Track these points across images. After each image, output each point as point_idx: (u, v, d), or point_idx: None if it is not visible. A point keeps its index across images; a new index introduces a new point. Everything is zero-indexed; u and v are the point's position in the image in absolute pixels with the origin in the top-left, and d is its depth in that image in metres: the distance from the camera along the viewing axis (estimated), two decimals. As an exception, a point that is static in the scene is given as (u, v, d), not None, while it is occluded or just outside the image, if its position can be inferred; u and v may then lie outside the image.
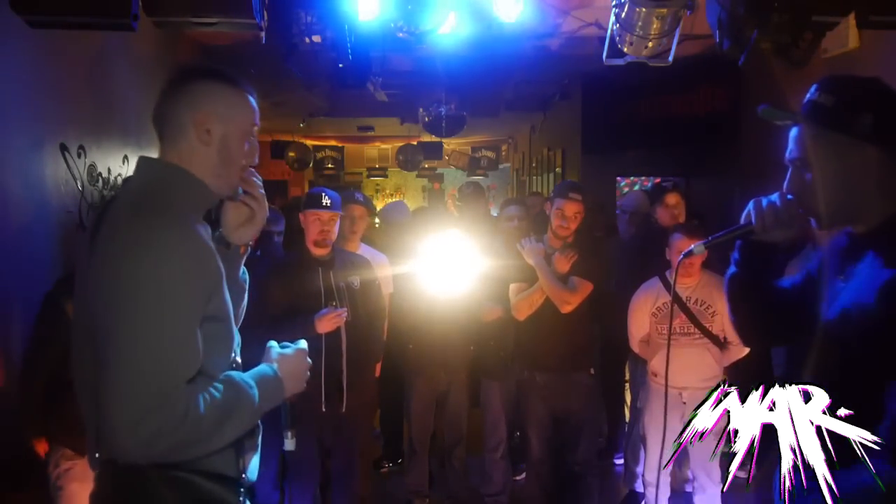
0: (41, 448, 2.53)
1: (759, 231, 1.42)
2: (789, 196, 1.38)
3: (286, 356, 1.49)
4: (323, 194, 3.18)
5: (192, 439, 1.24)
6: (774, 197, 1.40)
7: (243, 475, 1.39)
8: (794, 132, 1.35)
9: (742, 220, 1.45)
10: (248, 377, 1.38)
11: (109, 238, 1.28)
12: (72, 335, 1.40)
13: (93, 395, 1.26)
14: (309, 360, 1.55)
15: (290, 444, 1.68)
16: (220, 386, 1.30)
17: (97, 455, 1.33)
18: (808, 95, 1.33)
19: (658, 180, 6.78)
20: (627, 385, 4.54)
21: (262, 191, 1.53)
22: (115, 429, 1.19)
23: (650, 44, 3.72)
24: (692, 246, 1.51)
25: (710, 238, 1.49)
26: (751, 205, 1.43)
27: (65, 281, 2.55)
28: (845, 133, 1.27)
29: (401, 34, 3.93)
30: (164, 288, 1.22)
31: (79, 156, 3.51)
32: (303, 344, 1.55)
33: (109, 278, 1.23)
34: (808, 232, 1.45)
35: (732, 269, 1.54)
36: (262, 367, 1.44)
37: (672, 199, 3.89)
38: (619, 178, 7.42)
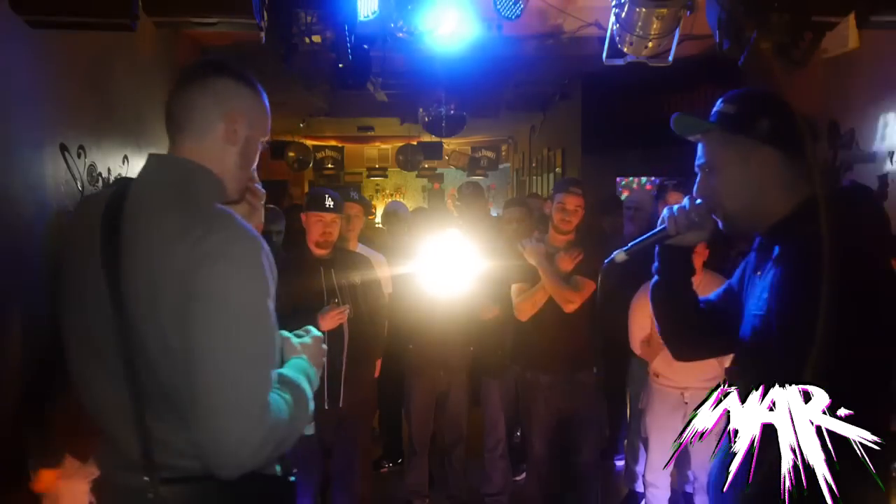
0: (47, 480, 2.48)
1: (673, 234, 1.53)
2: (698, 200, 1.50)
3: (307, 345, 1.50)
4: (326, 196, 3.20)
5: (283, 441, 1.25)
6: (685, 202, 1.52)
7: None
8: (702, 141, 1.50)
9: (657, 227, 1.57)
10: (293, 372, 1.37)
11: (163, 245, 1.20)
12: (71, 350, 1.33)
13: (134, 412, 1.22)
14: (324, 346, 1.56)
15: (309, 428, 1.72)
16: (283, 385, 1.30)
17: (151, 474, 1.23)
18: (714, 108, 1.49)
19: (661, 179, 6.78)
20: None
21: (262, 201, 1.52)
22: (225, 443, 1.16)
23: (650, 44, 3.72)
24: (614, 254, 1.59)
25: (630, 244, 1.58)
26: (665, 211, 1.55)
27: None
28: (746, 136, 1.41)
29: (401, 34, 3.93)
30: (253, 298, 1.20)
31: (79, 156, 3.51)
32: (316, 331, 1.56)
33: (190, 292, 1.16)
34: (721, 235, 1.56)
35: (654, 278, 1.63)
36: (297, 361, 1.43)
37: (674, 197, 3.87)
38: (619, 178, 7.42)
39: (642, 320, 3.42)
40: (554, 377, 3.35)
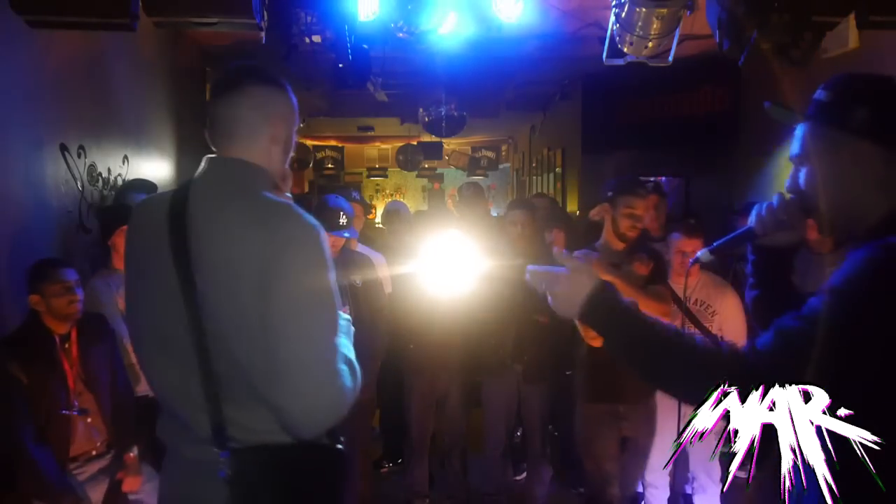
0: None
1: (760, 233, 1.41)
2: (791, 196, 1.35)
3: (341, 325, 1.55)
4: (341, 213, 3.17)
5: (348, 406, 1.37)
6: (774, 199, 1.39)
7: None
8: (798, 130, 1.34)
9: (746, 226, 1.45)
10: (345, 347, 1.45)
11: (238, 234, 1.32)
12: (141, 342, 1.47)
13: (205, 393, 1.34)
14: (353, 327, 1.63)
15: None
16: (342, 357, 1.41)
17: (221, 447, 1.35)
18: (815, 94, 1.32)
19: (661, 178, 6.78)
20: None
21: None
22: (309, 405, 1.30)
23: (650, 44, 3.73)
24: (699, 254, 1.51)
25: (714, 244, 1.49)
26: (754, 209, 1.43)
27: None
28: (839, 127, 1.24)
29: (401, 34, 3.94)
30: (324, 275, 1.36)
31: (79, 156, 3.51)
32: (344, 315, 1.59)
33: (272, 273, 1.29)
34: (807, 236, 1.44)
35: (751, 281, 1.51)
36: (342, 339, 1.51)
37: (652, 199, 3.83)
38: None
39: None
40: (630, 407, 3.07)
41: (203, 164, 1.48)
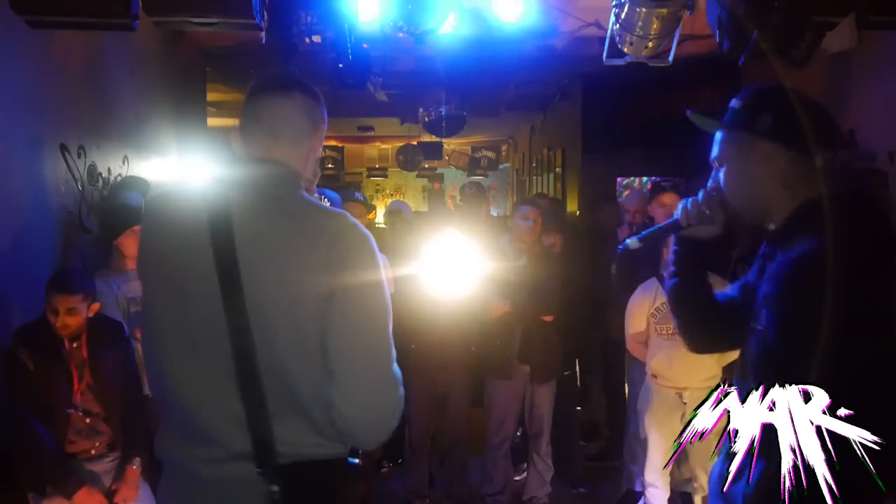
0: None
1: (684, 225, 1.54)
2: (713, 193, 1.50)
3: None
4: (322, 196, 3.20)
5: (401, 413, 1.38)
6: (699, 194, 1.52)
7: None
8: (717, 135, 1.49)
9: (672, 218, 1.57)
10: None
11: (295, 246, 1.30)
12: (165, 351, 1.36)
13: (247, 409, 1.28)
14: None
15: None
16: None
17: (262, 466, 1.29)
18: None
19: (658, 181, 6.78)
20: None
21: None
22: (376, 416, 1.32)
23: (650, 44, 3.73)
24: (627, 241, 1.60)
25: (642, 233, 1.60)
26: (680, 203, 1.56)
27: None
28: (748, 131, 1.40)
29: (401, 34, 3.94)
30: (382, 285, 1.35)
31: (79, 156, 3.51)
32: None
33: (335, 285, 1.28)
34: (739, 230, 1.56)
35: (670, 269, 1.63)
36: None
37: (668, 198, 3.86)
38: (619, 178, 7.42)
39: (638, 320, 3.42)
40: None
41: (246, 165, 1.42)
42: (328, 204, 3.17)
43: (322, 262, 1.29)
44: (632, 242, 1.58)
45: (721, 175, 1.47)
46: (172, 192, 1.50)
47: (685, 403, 3.19)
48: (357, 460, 1.41)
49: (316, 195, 3.26)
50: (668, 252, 1.71)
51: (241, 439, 1.29)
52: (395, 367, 1.36)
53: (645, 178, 7.29)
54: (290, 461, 1.30)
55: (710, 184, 1.51)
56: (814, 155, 1.36)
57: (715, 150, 1.48)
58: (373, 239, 1.37)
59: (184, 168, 4.95)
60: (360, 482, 1.48)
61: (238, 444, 1.29)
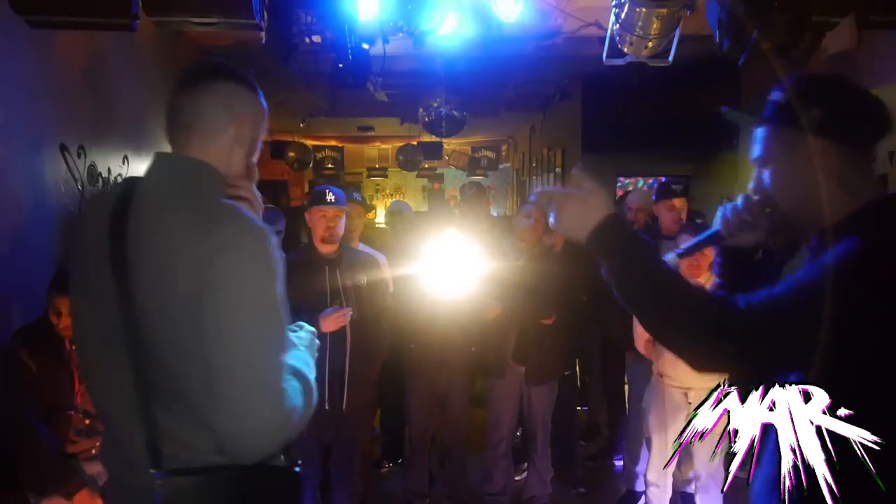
0: None
1: (725, 234, 1.41)
2: (756, 197, 1.37)
3: (301, 338, 1.51)
4: (327, 191, 3.22)
5: (295, 428, 1.27)
6: (739, 200, 1.39)
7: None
8: (757, 133, 1.35)
9: (711, 228, 1.45)
10: (299, 363, 1.37)
11: (174, 240, 1.24)
12: (81, 347, 1.37)
13: (140, 404, 1.25)
14: (317, 342, 1.56)
15: None
16: (293, 374, 1.32)
17: (158, 468, 1.25)
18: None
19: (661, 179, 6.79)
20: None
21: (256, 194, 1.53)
22: (245, 429, 1.20)
23: (650, 44, 3.73)
24: (667, 256, 1.46)
25: (681, 248, 1.49)
26: (718, 211, 1.43)
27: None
28: (794, 126, 1.26)
29: (401, 34, 3.94)
30: (265, 286, 1.25)
31: (79, 156, 3.51)
32: (308, 326, 1.57)
33: (204, 283, 1.20)
34: (782, 237, 1.44)
35: (716, 282, 1.53)
36: (299, 353, 1.43)
37: (678, 202, 3.86)
38: (619, 178, 7.43)
39: None
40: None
41: (152, 161, 1.38)
42: (332, 198, 3.19)
43: (195, 254, 1.21)
44: (671, 259, 1.46)
45: (766, 176, 1.33)
46: (99, 192, 1.49)
47: (690, 403, 3.19)
48: (297, 469, 1.35)
49: (322, 191, 3.28)
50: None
51: (138, 439, 1.25)
52: (287, 378, 1.26)
53: (640, 181, 7.30)
54: (183, 466, 1.24)
55: (751, 186, 1.38)
56: (869, 150, 1.27)
57: (756, 150, 1.34)
58: (268, 236, 1.27)
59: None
60: (290, 495, 1.37)
61: (136, 444, 1.26)
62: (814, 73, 1.35)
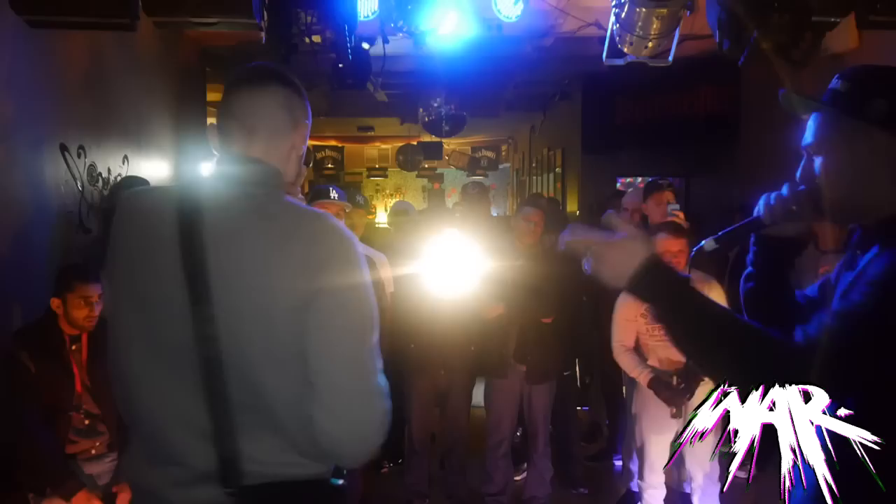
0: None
1: (768, 222, 1.38)
2: (801, 186, 1.33)
3: None
4: (330, 188, 3.25)
5: (387, 427, 1.28)
6: (784, 188, 1.36)
7: None
8: (811, 119, 1.31)
9: (753, 216, 1.41)
10: None
11: (269, 250, 1.20)
12: (130, 359, 1.27)
13: (214, 422, 1.20)
14: None
15: None
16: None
17: (231, 485, 1.21)
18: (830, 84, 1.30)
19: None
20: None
21: None
22: (360, 432, 1.22)
23: (650, 44, 3.73)
24: (703, 242, 1.44)
25: (719, 233, 1.43)
26: (761, 199, 1.39)
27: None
28: (856, 117, 1.22)
29: (401, 34, 3.94)
30: (366, 290, 1.26)
31: (79, 156, 3.51)
32: None
33: (312, 291, 1.19)
34: (814, 229, 1.40)
35: (749, 270, 1.48)
36: None
37: (668, 196, 3.86)
38: (618, 178, 7.43)
39: (628, 324, 3.37)
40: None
41: (218, 162, 1.33)
42: (335, 197, 3.20)
43: (298, 267, 1.19)
44: (707, 244, 1.41)
45: (818, 165, 1.28)
46: (145, 191, 1.44)
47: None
48: (341, 481, 1.33)
49: (326, 190, 3.30)
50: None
51: (206, 457, 1.20)
52: (382, 378, 1.27)
53: (637, 179, 7.29)
54: (260, 482, 1.21)
55: (799, 174, 1.34)
56: None
57: (809, 137, 1.30)
58: (356, 242, 1.28)
59: (184, 168, 4.96)
60: None
61: (203, 462, 1.20)
62: (880, 66, 1.29)
